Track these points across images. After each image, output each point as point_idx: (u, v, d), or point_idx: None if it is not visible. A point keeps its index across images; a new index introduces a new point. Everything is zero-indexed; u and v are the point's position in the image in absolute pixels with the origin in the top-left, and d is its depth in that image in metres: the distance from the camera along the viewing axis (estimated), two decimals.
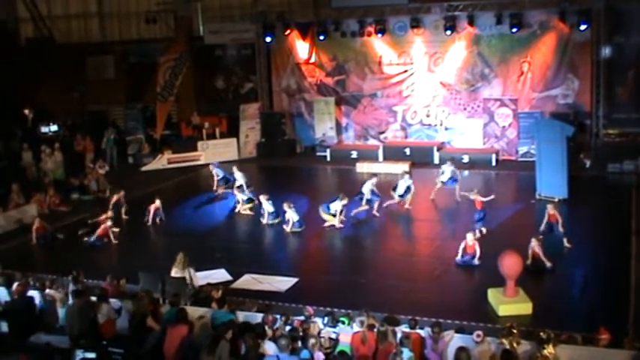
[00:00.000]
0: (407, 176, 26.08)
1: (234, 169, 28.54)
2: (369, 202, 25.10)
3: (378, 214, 25.01)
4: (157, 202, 25.97)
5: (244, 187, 27.20)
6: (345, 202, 24.15)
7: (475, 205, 22.49)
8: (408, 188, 25.63)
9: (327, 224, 24.20)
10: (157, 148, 36.77)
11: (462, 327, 15.18)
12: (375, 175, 26.32)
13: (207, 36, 39.35)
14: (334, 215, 24.09)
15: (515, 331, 13.45)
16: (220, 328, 13.54)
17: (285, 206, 24.29)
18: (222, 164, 30.96)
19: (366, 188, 25.20)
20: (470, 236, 20.33)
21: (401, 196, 25.63)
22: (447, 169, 26.64)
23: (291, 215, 24.06)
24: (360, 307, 15.07)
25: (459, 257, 20.35)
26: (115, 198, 26.41)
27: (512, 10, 31.58)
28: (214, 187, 29.04)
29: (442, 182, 26.70)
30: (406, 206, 25.64)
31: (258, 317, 14.84)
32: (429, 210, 25.88)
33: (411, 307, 16.69)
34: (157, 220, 25.76)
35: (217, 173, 29.24)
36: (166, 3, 40.20)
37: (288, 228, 24.05)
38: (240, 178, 27.75)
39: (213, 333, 13.47)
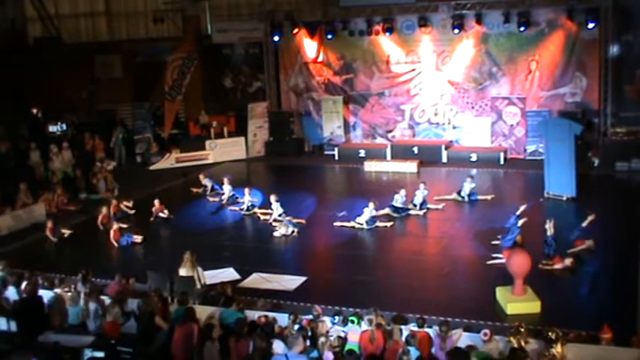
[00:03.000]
0: (422, 186, 25.96)
1: (225, 180, 28.32)
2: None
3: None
4: (156, 203, 26.10)
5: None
6: (373, 206, 24.19)
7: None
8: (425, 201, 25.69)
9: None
10: (165, 147, 36.80)
11: (470, 326, 15.14)
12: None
13: (215, 35, 39.41)
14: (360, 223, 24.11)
15: (522, 330, 13.44)
16: (203, 329, 13.57)
17: (273, 199, 24.56)
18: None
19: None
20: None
21: (417, 205, 25.61)
22: (467, 186, 26.56)
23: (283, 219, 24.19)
24: (368, 305, 15.09)
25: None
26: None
27: (520, 9, 31.51)
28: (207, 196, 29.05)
29: (462, 197, 26.55)
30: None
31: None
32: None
33: (419, 306, 16.70)
34: (163, 215, 25.88)
35: (206, 183, 29.34)
36: (174, 2, 40.23)
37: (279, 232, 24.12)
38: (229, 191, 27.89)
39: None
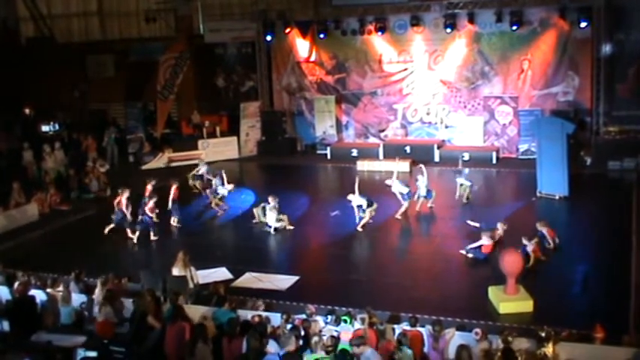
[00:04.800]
0: (420, 176, 25.84)
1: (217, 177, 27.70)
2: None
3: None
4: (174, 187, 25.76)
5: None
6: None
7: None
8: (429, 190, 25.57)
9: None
10: (158, 146, 36.75)
11: (462, 325, 15.18)
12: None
13: (208, 34, 39.41)
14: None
15: (510, 339, 13.34)
16: (196, 329, 13.56)
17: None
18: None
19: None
20: (485, 238, 20.47)
21: (424, 197, 25.56)
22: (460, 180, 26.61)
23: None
24: (361, 305, 15.11)
25: (470, 248, 20.64)
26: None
27: (512, 8, 31.56)
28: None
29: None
30: (429, 205, 25.68)
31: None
32: (428, 207, 25.83)
33: (412, 305, 16.71)
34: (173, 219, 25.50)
35: (200, 169, 29.27)
36: (166, 2, 40.23)
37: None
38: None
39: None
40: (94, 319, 15.70)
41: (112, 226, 24.29)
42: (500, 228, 21.21)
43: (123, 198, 24.24)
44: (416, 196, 25.28)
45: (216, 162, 34.74)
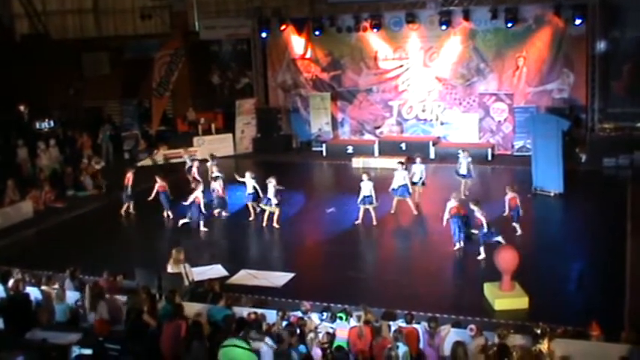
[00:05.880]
0: (419, 160, 25.74)
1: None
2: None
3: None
4: (158, 180, 25.89)
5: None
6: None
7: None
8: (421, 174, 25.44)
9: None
10: (153, 143, 36.71)
11: (458, 321, 15.19)
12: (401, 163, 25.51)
13: (203, 31, 39.44)
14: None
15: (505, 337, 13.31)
16: (191, 327, 13.53)
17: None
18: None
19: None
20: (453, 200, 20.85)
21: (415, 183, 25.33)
22: (463, 161, 26.45)
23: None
24: (356, 302, 15.10)
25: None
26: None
27: (507, 5, 31.60)
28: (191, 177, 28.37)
29: (462, 175, 26.40)
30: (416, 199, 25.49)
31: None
32: (424, 204, 25.78)
33: (407, 302, 16.67)
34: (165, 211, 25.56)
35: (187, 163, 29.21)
36: None
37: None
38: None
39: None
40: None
41: (202, 223, 24.21)
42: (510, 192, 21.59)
43: (198, 191, 24.32)
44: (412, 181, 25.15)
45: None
